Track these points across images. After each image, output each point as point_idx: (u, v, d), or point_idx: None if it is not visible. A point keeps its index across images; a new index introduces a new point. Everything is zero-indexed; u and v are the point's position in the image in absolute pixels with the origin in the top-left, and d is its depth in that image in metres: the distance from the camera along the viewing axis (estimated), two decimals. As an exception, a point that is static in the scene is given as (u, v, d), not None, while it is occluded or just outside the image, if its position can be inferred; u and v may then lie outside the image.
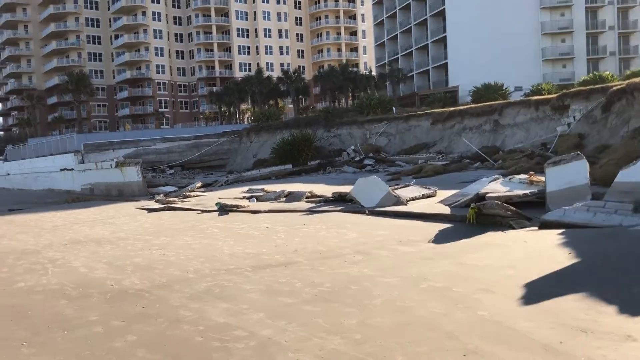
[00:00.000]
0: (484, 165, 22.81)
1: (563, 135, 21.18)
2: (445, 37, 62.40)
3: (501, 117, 26.30)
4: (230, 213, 16.21)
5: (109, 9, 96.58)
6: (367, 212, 13.14)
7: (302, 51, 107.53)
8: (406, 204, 13.83)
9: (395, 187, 15.19)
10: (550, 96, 25.04)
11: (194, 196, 22.67)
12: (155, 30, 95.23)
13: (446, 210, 12.29)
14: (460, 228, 10.47)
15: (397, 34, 72.68)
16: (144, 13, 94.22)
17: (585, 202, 10.80)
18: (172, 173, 31.83)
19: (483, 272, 7.09)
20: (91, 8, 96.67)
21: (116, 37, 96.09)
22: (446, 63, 62.35)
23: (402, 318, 5.57)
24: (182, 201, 20.97)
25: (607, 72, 41.68)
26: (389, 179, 22.72)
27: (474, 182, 18.36)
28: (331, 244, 10.01)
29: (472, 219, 10.48)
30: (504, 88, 40.11)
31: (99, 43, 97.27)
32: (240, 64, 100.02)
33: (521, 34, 58.69)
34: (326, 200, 16.20)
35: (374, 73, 66.15)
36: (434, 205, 13.34)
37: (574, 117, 21.62)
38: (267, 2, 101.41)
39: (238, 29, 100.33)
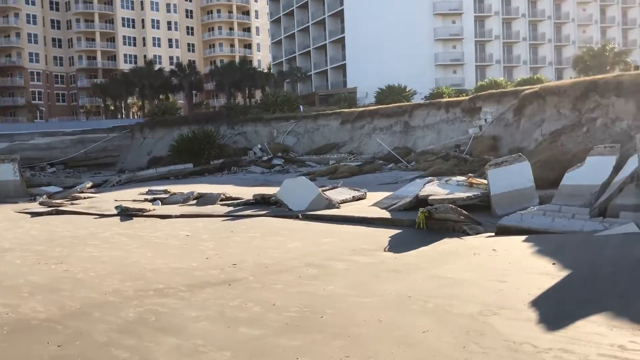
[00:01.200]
0: (398, 166, 22.55)
1: (477, 137, 21.44)
2: (343, 38, 62.70)
3: (411, 118, 26.33)
4: (134, 218, 14.30)
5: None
6: (299, 216, 11.97)
7: (193, 45, 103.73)
8: (339, 207, 12.86)
9: (323, 188, 14.17)
10: (461, 98, 25.46)
11: (84, 198, 20.19)
12: (28, 15, 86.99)
13: (385, 214, 11.47)
14: (410, 234, 9.66)
15: (294, 33, 72.06)
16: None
17: (533, 205, 10.47)
18: (55, 171, 28.44)
19: (471, 287, 6.22)
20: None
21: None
22: (344, 64, 62.67)
23: (416, 354, 4.50)
24: (72, 204, 18.51)
25: (502, 79, 43.81)
26: (302, 179, 21.72)
27: (395, 183, 17.91)
28: (274, 255, 8.74)
29: (422, 224, 9.70)
30: (407, 90, 40.71)
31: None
32: (125, 55, 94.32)
33: (416, 39, 60.40)
34: (246, 203, 14.84)
35: (271, 71, 64.86)
36: (369, 208, 12.50)
37: (486, 120, 21.98)
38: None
39: (123, 19, 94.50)
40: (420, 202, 11.51)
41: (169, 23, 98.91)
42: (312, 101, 48.69)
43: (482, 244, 8.42)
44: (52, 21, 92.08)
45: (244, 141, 31.70)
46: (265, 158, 28.41)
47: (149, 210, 15.01)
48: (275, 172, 26.09)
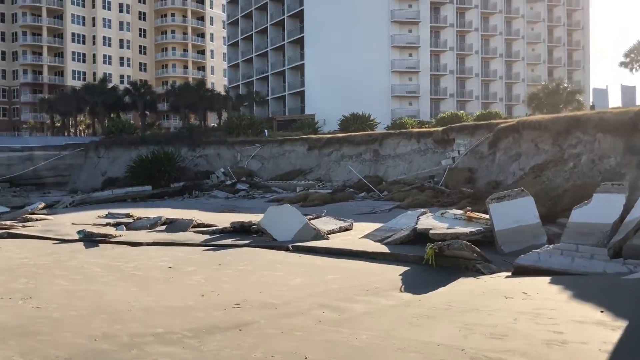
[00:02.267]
0: (370, 195, 22.00)
1: (451, 168, 21.21)
2: (303, 65, 62.62)
3: (381, 147, 25.97)
4: (100, 245, 13.05)
5: None
6: (289, 247, 11.12)
7: (145, 64, 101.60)
8: (328, 238, 12.10)
9: (307, 217, 13.37)
10: (432, 129, 25.34)
11: (36, 220, 18.59)
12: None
13: (382, 248, 10.80)
14: (420, 272, 9.00)
15: (252, 57, 71.52)
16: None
17: (540, 242, 10.08)
18: (0, 190, 26.40)
19: (526, 339, 5.56)
20: None
21: None
22: (303, 91, 62.45)
23: None
24: (24, 226, 16.94)
25: (462, 112, 44.48)
26: (272, 206, 20.84)
27: (374, 213, 17.33)
28: (278, 293, 7.87)
29: (431, 261, 9.07)
30: (371, 119, 40.63)
31: None
32: (74, 71, 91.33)
33: (373, 69, 60.96)
34: (223, 232, 13.84)
35: (224, 94, 63.79)
36: (360, 241, 11.79)
37: (459, 152, 21.84)
38: (109, 9, 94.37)
39: (73, 34, 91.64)
40: (419, 235, 10.93)
41: (121, 41, 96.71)
42: (271, 126, 48.00)
43: (507, 286, 7.83)
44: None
45: (206, 164, 30.53)
46: (229, 182, 27.34)
47: (115, 236, 13.78)
48: (240, 197, 25.08)
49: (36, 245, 13.37)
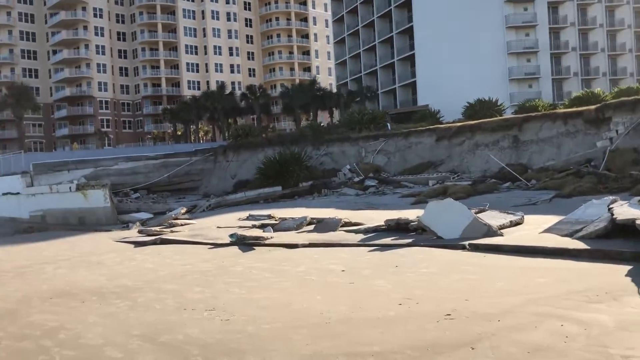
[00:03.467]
0: (515, 185, 20.25)
1: (613, 150, 18.97)
2: (413, 55, 60.90)
3: (521, 132, 24.00)
4: (255, 248, 12.69)
5: (46, 23, 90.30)
6: (466, 246, 10.00)
7: (254, 70, 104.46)
8: (501, 234, 10.84)
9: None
10: (583, 108, 22.97)
11: (181, 225, 18.87)
12: (97, 46, 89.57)
13: (574, 243, 9.36)
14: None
15: (359, 52, 70.85)
16: (85, 27, 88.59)
17: None
18: (139, 197, 27.62)
19: None
20: (26, 21, 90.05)
21: (54, 52, 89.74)
22: (414, 82, 60.74)
23: None
24: (172, 231, 17.18)
25: (599, 89, 40.77)
26: (411, 202, 19.82)
27: (534, 204, 15.71)
28: (487, 300, 6.79)
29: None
30: (499, 104, 38.27)
31: (35, 58, 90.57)
32: (189, 81, 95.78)
33: (488, 54, 57.93)
34: (376, 230, 13.00)
35: (341, 91, 63.54)
36: (543, 236, 10.40)
37: (617, 131, 19.50)
38: (217, 19, 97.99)
39: (186, 46, 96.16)
40: (618, 227, 9.37)
41: (230, 49, 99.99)
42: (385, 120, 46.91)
43: None
44: (119, 51, 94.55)
45: (331, 162, 30.06)
46: (356, 179, 26.64)
47: (267, 238, 13.38)
48: (370, 193, 24.26)
49: (192, 251, 13.28)
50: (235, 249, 12.87)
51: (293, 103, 55.27)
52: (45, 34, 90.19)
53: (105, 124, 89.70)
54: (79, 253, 14.52)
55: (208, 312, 7.29)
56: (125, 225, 20.18)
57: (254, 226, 16.28)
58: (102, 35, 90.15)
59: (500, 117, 27.60)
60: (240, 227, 16.70)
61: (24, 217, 27.17)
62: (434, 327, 5.92)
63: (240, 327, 6.53)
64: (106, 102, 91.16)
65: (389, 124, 34.17)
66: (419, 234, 11.97)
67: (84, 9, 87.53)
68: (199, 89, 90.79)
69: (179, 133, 71.35)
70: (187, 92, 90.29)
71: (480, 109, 34.87)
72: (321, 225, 14.61)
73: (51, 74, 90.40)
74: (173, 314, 7.41)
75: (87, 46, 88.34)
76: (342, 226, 14.31)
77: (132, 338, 6.40)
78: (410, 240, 11.33)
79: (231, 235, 13.71)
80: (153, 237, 15.64)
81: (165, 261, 12.00)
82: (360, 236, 12.77)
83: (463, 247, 10.04)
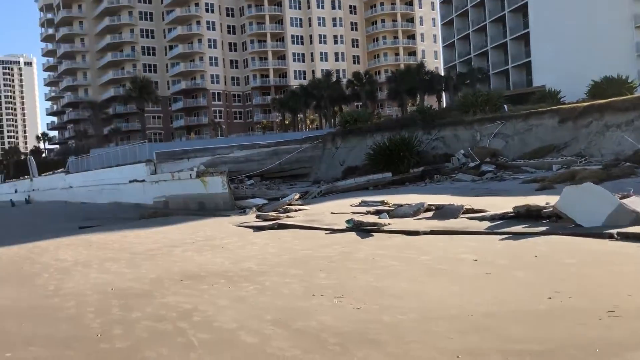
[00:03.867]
0: (660, 169, 18.31)
1: None
2: (527, 33, 57.50)
3: (661, 110, 21.73)
4: (374, 234, 12.36)
5: (163, 20, 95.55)
6: (614, 235, 9.02)
7: (358, 57, 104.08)
8: (654, 223, 9.66)
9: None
10: None
11: (295, 210, 19.00)
12: (209, 40, 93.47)
13: None
14: None
15: (469, 33, 68.12)
16: (198, 22, 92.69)
17: None
18: (252, 183, 28.37)
19: None
20: (146, 19, 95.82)
21: (171, 47, 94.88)
22: (529, 61, 57.38)
23: None
24: (288, 216, 17.30)
25: None
26: (536, 188, 18.55)
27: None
28: (655, 296, 5.96)
29: None
30: (630, 82, 35.06)
31: (154, 54, 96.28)
32: (295, 71, 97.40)
33: (611, 28, 53.26)
34: (503, 217, 12.17)
35: (450, 74, 61.43)
36: None
37: None
38: (322, 7, 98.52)
39: (293, 36, 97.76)
40: None
41: (335, 37, 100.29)
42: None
43: None
44: (230, 44, 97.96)
45: (443, 147, 29.06)
46: (471, 164, 25.51)
47: (384, 225, 13.00)
48: (487, 179, 23.10)
49: (309, 236, 13.23)
50: (352, 235, 12.63)
51: (399, 88, 54.25)
52: (162, 31, 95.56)
53: (217, 115, 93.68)
54: (203, 237, 15.00)
55: (338, 299, 7.06)
56: (242, 211, 20.69)
57: (368, 212, 15.98)
58: (214, 29, 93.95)
59: (634, 96, 25.09)
60: (354, 213, 16.46)
61: (148, 202, 28.90)
62: (596, 325, 5.26)
63: (374, 316, 6.22)
64: (218, 94, 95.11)
65: (505, 106, 32.38)
66: (552, 222, 11.05)
67: (196, 4, 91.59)
68: (304, 78, 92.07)
69: (287, 122, 72.74)
70: (293, 82, 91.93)
71: (608, 87, 32.02)
72: (441, 211, 13.99)
73: (168, 69, 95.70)
74: (302, 299, 7.27)
75: (200, 40, 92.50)
76: (464, 213, 13.60)
77: (266, 323, 6.31)
78: (545, 229, 10.47)
79: (348, 221, 13.49)
80: (270, 222, 15.82)
81: (285, 246, 12.02)
82: (486, 224, 12.03)
83: (610, 236, 9.05)
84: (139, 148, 31.35)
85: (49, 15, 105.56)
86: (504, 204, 14.58)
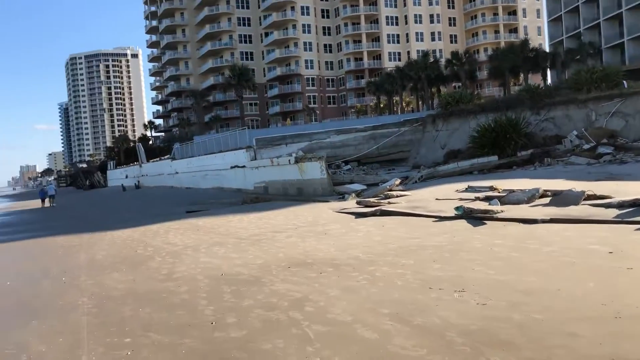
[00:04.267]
0: None
1: None
2: (647, 1, 52.48)
3: None
4: (487, 222, 11.61)
5: (259, 7, 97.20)
6: None
7: (455, 36, 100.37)
8: None
9: None
10: None
11: (396, 196, 18.46)
12: (304, 25, 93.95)
13: None
14: None
15: (578, 5, 63.40)
16: (292, 8, 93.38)
17: None
18: (349, 169, 28.10)
19: None
20: (243, 7, 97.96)
21: (266, 34, 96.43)
22: (649, 33, 52.47)
23: None
24: (389, 203, 16.83)
25: None
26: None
27: None
28: None
29: None
30: None
31: (250, 42, 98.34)
32: (390, 53, 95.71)
33: None
34: (634, 204, 10.98)
35: (558, 50, 57.57)
36: None
37: None
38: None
39: (387, 17, 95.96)
40: None
41: (431, 16, 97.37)
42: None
43: None
44: (324, 28, 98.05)
45: (553, 128, 27.15)
46: (585, 146, 23.62)
47: (497, 212, 12.19)
48: (606, 162, 21.27)
49: (415, 223, 12.70)
50: (463, 222, 11.96)
51: (502, 67, 51.56)
52: (258, 18, 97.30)
53: (311, 100, 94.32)
54: (304, 222, 14.92)
55: (458, 294, 6.55)
56: (341, 196, 20.47)
57: (477, 198, 15.15)
58: (308, 14, 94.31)
59: None
60: (462, 199, 15.70)
61: (249, 188, 29.51)
62: None
63: (503, 313, 5.66)
64: (312, 79, 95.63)
65: (625, 82, 29.70)
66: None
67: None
68: (399, 60, 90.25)
69: (382, 105, 71.72)
70: (387, 65, 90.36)
71: None
72: (559, 198, 12.93)
73: (264, 55, 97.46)
74: (418, 292, 6.83)
75: (294, 26, 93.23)
76: (585, 199, 12.48)
77: (382, 317, 5.94)
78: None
79: (457, 208, 12.80)
80: (372, 209, 15.44)
81: (391, 234, 11.59)
82: (613, 211, 10.92)
83: None
84: (239, 135, 32.02)
85: (152, 8, 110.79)
86: (631, 190, 13.29)
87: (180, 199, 31.58)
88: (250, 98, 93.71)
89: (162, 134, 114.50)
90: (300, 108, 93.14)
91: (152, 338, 6.08)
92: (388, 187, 19.85)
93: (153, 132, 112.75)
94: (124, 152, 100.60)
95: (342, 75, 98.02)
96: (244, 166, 29.82)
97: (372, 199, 17.56)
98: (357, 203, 17.25)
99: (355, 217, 14.97)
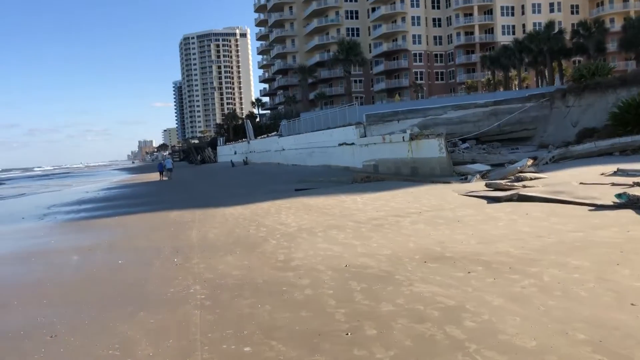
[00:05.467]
0: None
1: None
2: None
3: None
4: (662, 213, 9.47)
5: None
6: None
7: (577, 6, 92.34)
8: None
9: None
10: None
11: (530, 179, 16.35)
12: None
13: None
14: None
15: None
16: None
17: None
18: (468, 147, 25.96)
19: None
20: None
21: (373, 10, 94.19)
22: None
23: None
24: (524, 186, 14.82)
25: None
26: None
27: None
28: None
29: None
30: None
31: (356, 18, 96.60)
32: (503, 26, 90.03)
33: None
34: None
35: None
36: None
37: None
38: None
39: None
40: None
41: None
42: None
43: None
44: (433, 1, 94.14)
45: None
46: None
47: (673, 203, 9.95)
48: None
49: (565, 212, 10.75)
50: (629, 212, 9.90)
51: (637, 38, 46.05)
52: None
53: (418, 76, 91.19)
54: (428, 206, 13.37)
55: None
56: (464, 178, 18.61)
57: (635, 184, 12.80)
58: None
59: None
60: (614, 184, 13.42)
61: (357, 166, 28.26)
62: None
63: None
64: (419, 54, 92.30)
65: None
66: None
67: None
68: (513, 33, 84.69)
69: (496, 81, 67.37)
70: (501, 39, 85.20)
71: None
72: None
73: (370, 31, 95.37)
74: (615, 309, 5.16)
75: (402, 0, 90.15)
76: None
77: (581, 346, 4.38)
78: None
79: (619, 196, 10.69)
80: (507, 193, 13.56)
81: (540, 224, 9.78)
82: None
83: None
84: (348, 111, 30.73)
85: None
86: None
87: (287, 176, 31.05)
88: (355, 75, 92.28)
89: (268, 111, 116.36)
90: (407, 85, 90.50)
91: (276, 349, 4.95)
92: (519, 167, 17.72)
93: (260, 109, 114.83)
94: (233, 128, 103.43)
95: (451, 50, 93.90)
96: (352, 143, 28.57)
97: (503, 182, 15.61)
98: (486, 186, 15.37)
99: (488, 202, 13.18)
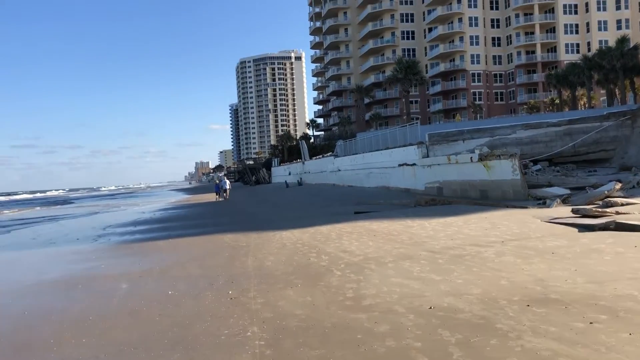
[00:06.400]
0: None
1: None
2: None
3: None
4: None
5: (422, 2, 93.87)
6: None
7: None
8: None
9: None
10: None
11: (621, 204, 14.55)
12: (470, 18, 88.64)
13: None
14: None
15: None
16: (459, 1, 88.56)
17: None
18: (540, 169, 24.07)
19: None
20: (406, 3, 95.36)
21: (430, 30, 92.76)
22: None
23: None
24: (617, 212, 13.09)
25: None
26: None
27: None
28: None
29: None
30: None
31: (412, 38, 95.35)
32: (567, 45, 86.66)
33: None
34: None
35: None
36: None
37: None
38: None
39: (564, 6, 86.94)
40: None
41: (617, 2, 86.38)
42: None
43: None
44: (492, 20, 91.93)
45: None
46: None
47: None
48: None
49: (685, 245, 9.07)
50: None
51: None
52: (422, 14, 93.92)
53: (476, 96, 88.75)
54: (509, 235, 11.88)
55: None
56: (542, 202, 16.92)
57: None
58: (475, 6, 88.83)
59: None
60: None
61: (419, 188, 26.77)
62: None
63: None
64: (478, 74, 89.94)
65: None
66: None
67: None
68: (577, 52, 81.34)
69: (558, 101, 64.35)
70: (564, 57, 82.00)
71: None
72: None
73: (427, 52, 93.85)
74: None
75: (460, 20, 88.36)
76: None
77: None
78: None
79: None
80: (601, 220, 11.90)
81: (658, 260, 8.18)
82: None
83: None
84: (409, 130, 29.35)
85: (317, 9, 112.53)
86: None
87: (344, 198, 29.90)
88: (411, 95, 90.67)
89: (322, 132, 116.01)
90: (464, 105, 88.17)
91: None
92: (606, 192, 15.92)
93: (314, 130, 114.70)
94: (287, 149, 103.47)
95: (511, 70, 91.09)
96: (413, 164, 27.14)
97: (592, 207, 13.90)
98: (573, 212, 13.71)
99: (579, 231, 11.59)
